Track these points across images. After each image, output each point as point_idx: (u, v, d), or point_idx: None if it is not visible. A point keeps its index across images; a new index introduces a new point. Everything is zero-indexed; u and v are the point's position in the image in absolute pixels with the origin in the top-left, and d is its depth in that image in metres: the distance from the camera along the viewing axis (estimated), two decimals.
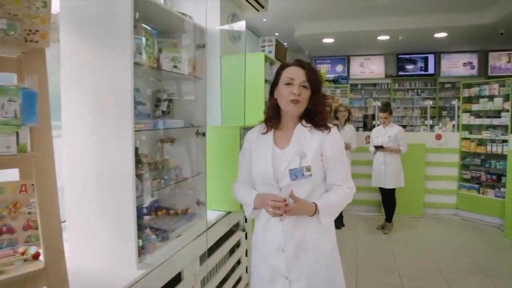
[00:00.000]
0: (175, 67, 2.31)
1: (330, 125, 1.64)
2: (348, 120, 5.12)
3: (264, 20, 6.14)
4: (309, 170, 1.54)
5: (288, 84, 1.57)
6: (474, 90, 5.57)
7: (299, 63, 1.62)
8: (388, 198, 4.96)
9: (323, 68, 9.51)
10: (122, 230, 1.78)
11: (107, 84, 1.74)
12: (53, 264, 1.26)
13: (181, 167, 2.55)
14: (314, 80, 1.59)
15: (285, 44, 8.69)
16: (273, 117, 1.67)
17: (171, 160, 2.53)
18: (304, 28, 7.14)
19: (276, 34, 7.27)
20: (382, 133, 4.91)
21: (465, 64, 9.54)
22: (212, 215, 2.61)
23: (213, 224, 2.56)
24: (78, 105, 1.80)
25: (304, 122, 1.64)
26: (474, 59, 9.48)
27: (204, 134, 2.49)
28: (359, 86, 10.18)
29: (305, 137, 1.61)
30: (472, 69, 9.48)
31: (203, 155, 2.52)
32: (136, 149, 2.27)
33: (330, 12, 6.30)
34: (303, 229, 1.58)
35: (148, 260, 1.88)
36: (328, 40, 7.90)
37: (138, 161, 2.19)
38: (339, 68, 10.10)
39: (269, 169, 1.58)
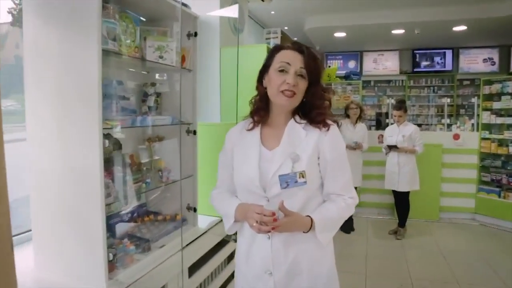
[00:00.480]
0: (160, 57, 2.08)
1: (329, 121, 1.36)
2: (359, 118, 4.85)
3: (272, 12, 5.86)
4: (303, 176, 1.28)
5: (282, 71, 1.30)
6: (496, 87, 5.23)
7: (297, 47, 1.34)
8: (401, 201, 4.66)
9: (335, 64, 9.16)
10: (90, 241, 1.55)
11: (72, 74, 1.51)
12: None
13: (170, 168, 2.32)
14: (313, 68, 1.32)
15: (295, 38, 8.43)
16: (261, 109, 1.40)
17: (159, 161, 2.31)
18: (314, 21, 6.82)
19: (285, 27, 6.99)
20: (396, 132, 4.61)
21: (485, 60, 9.10)
22: (204, 221, 2.37)
23: (205, 232, 2.32)
24: (41, 102, 1.58)
25: (297, 117, 1.38)
26: (495, 54, 9.05)
27: (194, 133, 2.25)
28: (372, 83, 9.83)
29: (298, 136, 1.34)
30: (493, 65, 9.04)
31: (194, 156, 2.29)
32: (119, 147, 2.06)
33: (342, 4, 5.98)
34: (296, 249, 1.31)
35: (122, 275, 1.65)
36: (340, 34, 7.57)
37: (118, 162, 1.97)
38: (352, 64, 9.76)
39: (254, 174, 1.31)
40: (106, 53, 1.58)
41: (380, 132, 5.52)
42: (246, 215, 1.29)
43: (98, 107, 1.46)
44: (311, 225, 1.27)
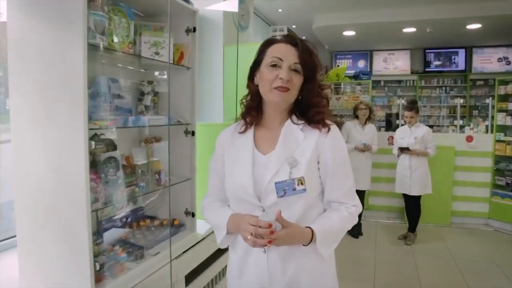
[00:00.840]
0: (156, 53, 1.97)
1: (328, 122, 1.24)
2: (369, 119, 4.69)
3: (280, 10, 5.73)
4: (302, 183, 1.15)
5: (274, 66, 1.18)
6: None
7: (290, 39, 1.22)
8: (412, 206, 4.49)
9: (344, 64, 8.98)
10: (75, 250, 1.45)
11: (57, 70, 1.41)
12: None
13: (167, 171, 2.21)
14: (308, 63, 1.19)
15: (303, 37, 8.27)
16: (252, 109, 1.28)
17: (155, 163, 2.20)
18: (322, 20, 6.67)
19: (293, 26, 6.85)
20: (408, 134, 4.44)
21: (500, 59, 8.84)
22: (203, 226, 2.26)
23: (203, 238, 2.20)
24: (25, 102, 1.48)
25: (294, 117, 1.25)
26: (510, 53, 8.77)
27: (193, 133, 2.14)
28: (382, 83, 9.63)
29: (296, 138, 1.22)
30: (508, 64, 8.78)
31: (192, 158, 2.17)
32: (113, 148, 1.96)
33: (351, 2, 5.81)
34: (295, 263, 1.19)
35: (111, 286, 1.54)
36: (349, 33, 7.40)
37: (111, 164, 1.87)
38: (361, 63, 9.57)
39: (247, 182, 1.19)
40: (94, 48, 1.47)
41: (390, 133, 5.36)
42: (239, 227, 1.16)
43: (83, 106, 1.36)
44: (312, 237, 1.15)
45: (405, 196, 4.53)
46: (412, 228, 4.51)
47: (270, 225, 1.08)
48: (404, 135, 4.49)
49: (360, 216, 4.39)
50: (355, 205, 1.25)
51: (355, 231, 4.59)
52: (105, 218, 1.92)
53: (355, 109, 4.70)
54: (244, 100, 1.32)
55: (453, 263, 3.90)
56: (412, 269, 3.73)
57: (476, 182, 5.16)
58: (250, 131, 1.28)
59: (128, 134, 2.17)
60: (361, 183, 4.55)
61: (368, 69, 9.35)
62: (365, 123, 4.64)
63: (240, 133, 1.29)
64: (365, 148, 4.52)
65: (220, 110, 3.03)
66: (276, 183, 1.15)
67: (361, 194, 4.68)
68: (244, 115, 1.30)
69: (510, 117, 5.03)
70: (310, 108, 1.23)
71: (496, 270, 3.74)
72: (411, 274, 3.63)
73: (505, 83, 5.21)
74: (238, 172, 1.23)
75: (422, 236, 4.59)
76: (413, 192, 4.39)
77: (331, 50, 9.47)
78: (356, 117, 4.67)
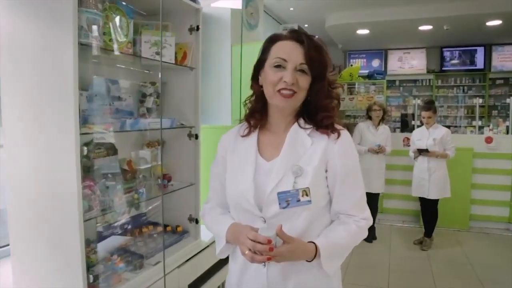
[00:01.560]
0: (157, 53, 1.89)
1: (338, 126, 1.14)
2: (382, 120, 4.54)
3: (291, 9, 5.61)
4: (307, 194, 1.05)
5: (278, 66, 1.08)
6: None
7: (296, 36, 1.11)
8: (429, 210, 4.32)
9: (358, 63, 8.79)
10: (68, 260, 1.37)
11: (47, 71, 1.33)
12: None
13: (171, 175, 2.14)
14: (316, 61, 1.08)
15: (316, 36, 8.11)
16: (257, 111, 1.18)
17: (158, 167, 2.13)
18: (335, 18, 6.51)
19: (305, 25, 6.71)
20: (426, 135, 4.27)
21: None
22: (207, 234, 2.17)
23: (208, 246, 2.12)
24: (16, 105, 1.41)
25: (302, 121, 1.15)
26: None
27: (196, 137, 2.05)
28: (397, 83, 9.40)
29: (303, 144, 1.12)
30: None
31: (196, 162, 2.09)
32: (114, 152, 1.89)
33: None
34: (297, 279, 1.09)
35: None
36: (363, 32, 7.22)
37: (110, 169, 1.80)
38: (376, 63, 9.35)
39: (248, 190, 1.10)
40: (87, 47, 1.40)
41: (405, 134, 5.20)
42: (238, 239, 1.07)
43: (74, 109, 1.28)
44: (316, 252, 1.05)
45: (422, 200, 4.37)
46: (429, 233, 4.35)
47: (269, 241, 0.98)
48: (422, 136, 4.32)
49: (374, 219, 4.23)
50: (365, 218, 1.15)
51: (369, 235, 4.44)
52: (104, 225, 1.86)
53: (369, 109, 4.56)
54: (248, 102, 1.23)
55: (471, 270, 3.73)
56: (428, 276, 3.58)
57: (495, 185, 4.96)
58: (254, 135, 1.19)
59: (130, 138, 2.10)
60: (374, 186, 4.42)
61: (383, 69, 9.13)
62: (378, 124, 4.50)
63: (243, 136, 1.20)
64: (379, 150, 4.38)
65: (227, 112, 2.94)
66: (278, 193, 1.06)
67: (375, 197, 4.54)
68: (247, 118, 1.21)
69: None
70: (318, 111, 1.13)
71: None
72: (427, 281, 3.48)
73: None
74: (239, 179, 1.14)
75: (438, 241, 4.42)
76: (431, 196, 4.23)
77: (344, 50, 9.29)
78: (369, 118, 4.53)
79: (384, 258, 4.02)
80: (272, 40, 1.13)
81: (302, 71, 1.08)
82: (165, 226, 2.14)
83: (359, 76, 5.96)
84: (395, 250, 4.31)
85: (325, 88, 1.12)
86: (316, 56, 1.08)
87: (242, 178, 1.13)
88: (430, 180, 4.21)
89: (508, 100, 5.80)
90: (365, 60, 9.37)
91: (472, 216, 5.00)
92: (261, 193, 1.09)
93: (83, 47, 1.40)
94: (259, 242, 0.98)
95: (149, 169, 2.12)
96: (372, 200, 4.56)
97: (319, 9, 6.04)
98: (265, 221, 1.08)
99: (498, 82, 8.86)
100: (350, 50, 9.40)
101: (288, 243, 1.01)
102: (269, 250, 0.98)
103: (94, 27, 1.47)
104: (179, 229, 2.11)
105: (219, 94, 2.81)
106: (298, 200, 1.05)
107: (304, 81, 1.08)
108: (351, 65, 7.95)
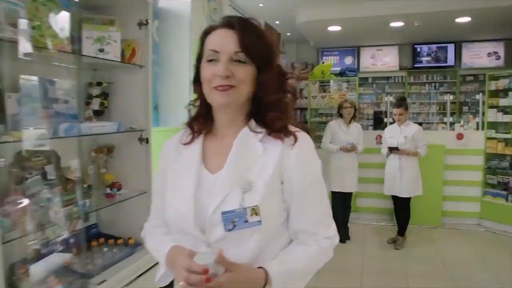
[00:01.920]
0: (101, 50, 1.72)
1: (294, 128, 0.98)
2: (354, 117, 4.47)
3: (261, 5, 5.45)
4: (257, 214, 0.89)
5: (211, 60, 0.93)
6: (503, 83, 4.86)
7: (227, 22, 0.95)
8: (402, 208, 4.29)
9: (330, 60, 8.72)
10: None
11: None
12: None
13: (121, 183, 1.97)
14: (255, 47, 0.92)
15: (288, 34, 8.01)
16: (200, 116, 1.02)
17: (107, 175, 1.95)
18: (307, 15, 6.40)
19: (276, 22, 6.58)
20: (397, 133, 4.23)
21: (489, 54, 8.64)
22: None
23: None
24: None
25: (253, 124, 0.99)
26: (500, 48, 8.58)
27: (147, 141, 1.89)
28: (369, 80, 9.39)
29: (253, 152, 0.95)
30: (498, 59, 8.58)
31: (148, 168, 1.92)
32: (56, 160, 1.71)
33: None
34: None
35: None
36: (335, 28, 7.15)
37: (48, 180, 1.62)
38: (349, 60, 9.32)
39: (187, 209, 0.94)
40: (11, 45, 1.22)
41: (378, 132, 5.15)
42: (174, 267, 0.91)
43: None
44: (266, 281, 0.89)
45: (394, 198, 4.34)
46: (402, 231, 4.32)
47: (206, 271, 0.82)
48: (394, 134, 4.28)
49: (347, 219, 4.12)
50: (329, 237, 0.99)
51: (342, 236, 4.37)
52: (43, 242, 1.67)
53: (340, 107, 4.49)
54: (191, 105, 1.06)
55: (444, 268, 3.71)
56: (401, 277, 3.53)
57: (467, 181, 5.00)
58: (198, 142, 1.02)
59: (77, 144, 1.91)
60: (347, 185, 4.36)
61: (356, 66, 9.12)
62: (349, 122, 4.43)
63: (185, 144, 1.03)
64: (351, 148, 4.31)
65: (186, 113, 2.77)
66: (223, 213, 0.89)
67: (348, 196, 4.49)
68: (190, 123, 1.04)
69: (501, 113, 4.88)
70: (267, 109, 0.96)
71: (488, 274, 3.56)
72: (400, 282, 3.43)
73: (495, 78, 5.04)
74: (178, 196, 0.97)
75: (412, 239, 4.40)
76: (403, 194, 4.20)
77: (317, 47, 9.21)
78: (341, 116, 4.46)
79: (358, 260, 3.94)
80: (206, 33, 0.98)
81: (239, 61, 0.91)
82: (117, 238, 1.96)
83: (331, 74, 5.88)
84: (369, 250, 4.26)
85: (274, 79, 0.96)
86: (254, 41, 0.92)
87: (181, 195, 0.96)
88: (401, 178, 4.17)
89: (478, 97, 5.86)
90: (338, 57, 9.32)
91: (444, 213, 5.03)
92: (203, 213, 0.92)
93: (2, 43, 1.21)
94: (194, 271, 0.83)
95: (97, 177, 1.94)
96: (346, 199, 4.50)
97: (289, 6, 5.91)
98: (209, 246, 0.92)
99: (468, 78, 8.99)
100: (322, 47, 9.33)
101: (230, 271, 0.84)
102: (205, 281, 0.82)
103: (19, 20, 1.29)
104: (131, 241, 1.94)
105: (178, 93, 2.64)
106: (246, 221, 0.89)
107: (243, 72, 0.92)
108: (323, 62, 7.89)
